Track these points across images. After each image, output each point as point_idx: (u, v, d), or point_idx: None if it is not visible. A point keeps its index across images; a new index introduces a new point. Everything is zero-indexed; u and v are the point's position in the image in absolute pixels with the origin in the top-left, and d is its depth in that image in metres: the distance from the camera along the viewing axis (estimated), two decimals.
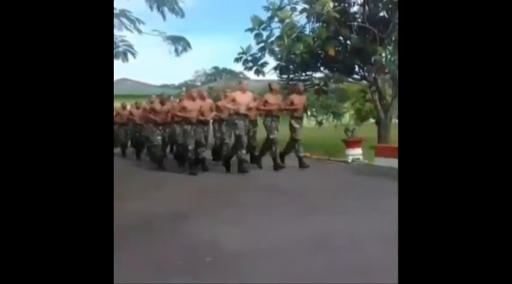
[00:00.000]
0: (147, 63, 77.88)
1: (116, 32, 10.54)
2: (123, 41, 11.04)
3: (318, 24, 10.23)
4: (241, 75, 44.69)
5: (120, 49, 10.95)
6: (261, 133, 8.45)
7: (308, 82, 11.80)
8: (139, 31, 10.76)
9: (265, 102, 7.76)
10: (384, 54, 9.74)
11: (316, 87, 11.63)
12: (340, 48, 10.65)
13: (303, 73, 11.30)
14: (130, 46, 11.12)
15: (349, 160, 8.53)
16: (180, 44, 11.54)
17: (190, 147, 7.62)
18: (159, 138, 8.78)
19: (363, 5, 10.30)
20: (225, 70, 60.54)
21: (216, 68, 63.79)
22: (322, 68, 11.32)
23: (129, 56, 11.12)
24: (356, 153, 8.66)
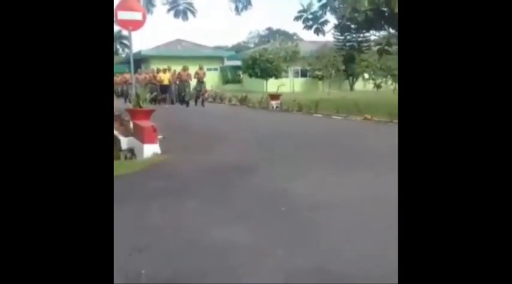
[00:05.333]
0: (204, 23, 78.17)
1: None
2: None
3: None
4: (295, 37, 43.76)
5: (181, 7, 10.83)
6: None
7: (365, 45, 11.15)
8: None
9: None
10: None
11: (378, 47, 10.87)
12: None
13: (360, 35, 10.62)
14: (190, 4, 10.96)
15: None
16: (240, 1, 11.38)
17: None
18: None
19: None
20: (278, 31, 59.50)
21: (269, 29, 62.86)
22: (386, 27, 10.50)
23: (189, 14, 10.99)
24: None
